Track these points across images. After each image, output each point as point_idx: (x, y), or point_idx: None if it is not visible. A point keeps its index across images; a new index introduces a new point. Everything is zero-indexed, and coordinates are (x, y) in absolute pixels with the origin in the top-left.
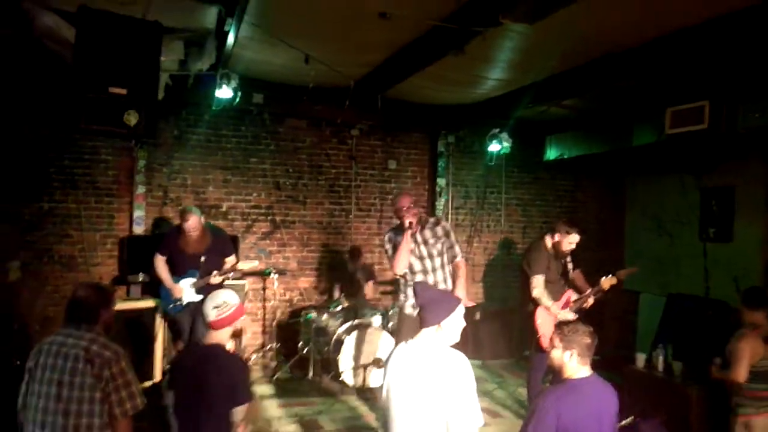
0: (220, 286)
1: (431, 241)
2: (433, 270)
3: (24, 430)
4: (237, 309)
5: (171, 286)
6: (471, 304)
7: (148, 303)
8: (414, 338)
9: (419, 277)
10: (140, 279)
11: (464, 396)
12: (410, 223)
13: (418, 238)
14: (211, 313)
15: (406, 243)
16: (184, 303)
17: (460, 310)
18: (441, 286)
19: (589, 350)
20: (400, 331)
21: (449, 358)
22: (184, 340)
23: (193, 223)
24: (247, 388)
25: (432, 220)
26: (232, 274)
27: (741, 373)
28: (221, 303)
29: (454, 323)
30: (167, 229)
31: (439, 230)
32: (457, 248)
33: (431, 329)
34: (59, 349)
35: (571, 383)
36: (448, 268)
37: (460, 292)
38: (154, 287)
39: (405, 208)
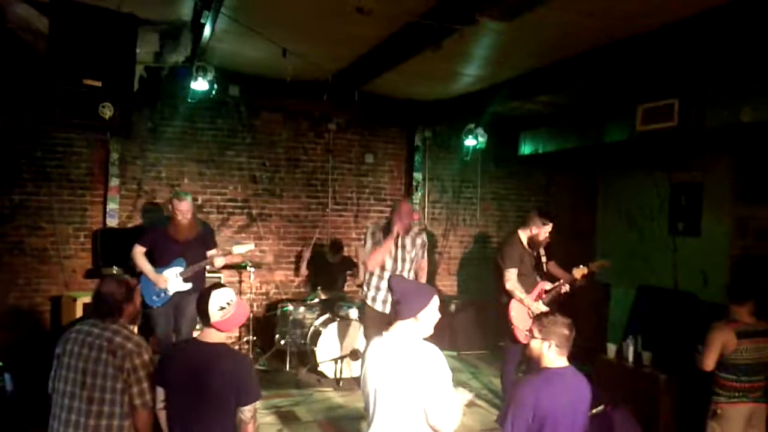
0: (202, 276)
1: (408, 247)
2: (401, 273)
3: (52, 411)
4: (242, 310)
5: (154, 277)
6: None
7: None
8: (389, 330)
9: (387, 274)
10: (114, 272)
11: (440, 387)
12: (398, 233)
13: (399, 241)
14: (216, 315)
15: (387, 247)
16: (170, 293)
17: (435, 302)
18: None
19: (567, 341)
20: (368, 326)
21: (423, 350)
22: (161, 334)
23: (187, 206)
24: (255, 386)
25: (416, 229)
26: (222, 261)
27: (708, 362)
28: (226, 304)
29: (430, 315)
30: (144, 221)
31: (419, 241)
32: (425, 256)
33: (408, 321)
34: (85, 338)
35: (548, 373)
36: (411, 275)
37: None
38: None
39: (404, 216)
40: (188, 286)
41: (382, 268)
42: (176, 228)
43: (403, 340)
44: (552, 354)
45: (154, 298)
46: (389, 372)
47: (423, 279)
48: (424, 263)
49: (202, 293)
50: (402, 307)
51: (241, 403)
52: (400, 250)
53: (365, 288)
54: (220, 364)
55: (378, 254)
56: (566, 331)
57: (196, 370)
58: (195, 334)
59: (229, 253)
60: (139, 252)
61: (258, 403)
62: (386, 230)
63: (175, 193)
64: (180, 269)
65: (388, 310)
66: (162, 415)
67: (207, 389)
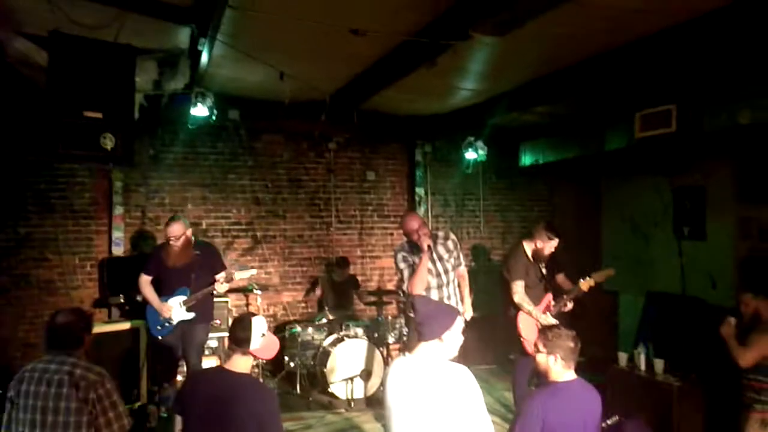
0: (209, 305)
1: (445, 256)
2: (447, 284)
3: None
4: (274, 338)
5: (158, 306)
6: (471, 315)
7: (131, 324)
8: (413, 353)
9: (434, 293)
10: (121, 300)
11: (474, 410)
12: (429, 246)
13: (434, 255)
14: (257, 341)
15: (425, 265)
16: (174, 323)
17: (459, 323)
18: (452, 299)
19: (573, 354)
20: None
21: (453, 372)
22: (168, 363)
23: (176, 230)
24: (278, 422)
25: (441, 234)
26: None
27: (748, 358)
28: (267, 330)
29: (455, 336)
30: (148, 248)
31: (450, 244)
32: (462, 258)
33: (432, 343)
34: (41, 375)
35: (556, 386)
36: (455, 282)
37: (467, 303)
38: (139, 309)
39: (418, 229)
40: (192, 315)
41: (428, 288)
42: (168, 254)
43: (430, 362)
44: (558, 367)
45: (158, 328)
46: (417, 395)
47: (466, 288)
48: (463, 270)
49: (240, 319)
50: (425, 328)
51: None
52: (438, 263)
53: (411, 313)
54: (245, 396)
55: (419, 276)
56: (571, 344)
57: (219, 399)
58: (209, 362)
59: (231, 279)
60: (145, 281)
61: None
62: (413, 250)
63: (170, 218)
64: (183, 297)
65: None
66: None
67: (229, 421)
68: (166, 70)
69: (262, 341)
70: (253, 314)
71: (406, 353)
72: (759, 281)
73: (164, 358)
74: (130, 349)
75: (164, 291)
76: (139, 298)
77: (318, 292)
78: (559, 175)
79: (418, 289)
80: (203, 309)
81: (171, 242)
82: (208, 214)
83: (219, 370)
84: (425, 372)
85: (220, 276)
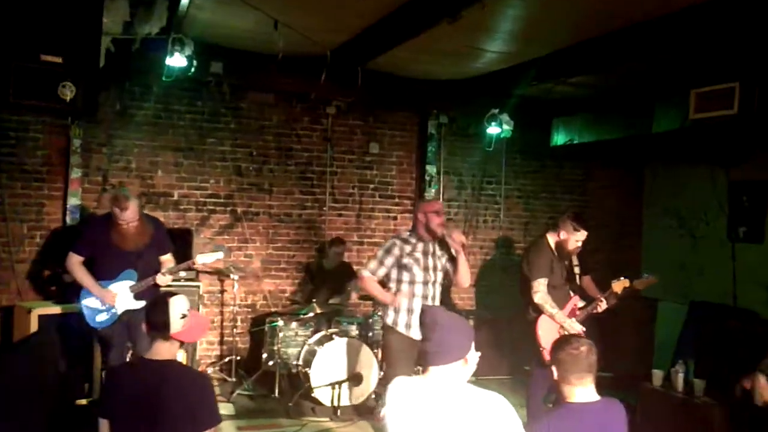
0: (156, 288)
1: (439, 253)
2: (433, 283)
3: None
4: (200, 318)
5: (100, 292)
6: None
7: (63, 308)
8: (426, 376)
9: (418, 289)
10: (60, 279)
11: None
12: (442, 233)
13: (429, 247)
14: (178, 323)
15: (463, 264)
16: (119, 312)
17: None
18: (436, 302)
19: (588, 369)
20: (395, 361)
21: (489, 401)
22: (115, 359)
23: (132, 212)
24: (215, 409)
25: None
26: (184, 273)
27: None
28: (187, 311)
29: (474, 352)
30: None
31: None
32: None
33: (454, 365)
34: None
35: (567, 408)
36: (440, 288)
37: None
38: (73, 290)
39: (438, 212)
40: (140, 304)
41: (412, 282)
42: (121, 234)
43: (456, 390)
44: (570, 385)
45: (98, 318)
46: (442, 429)
47: (466, 275)
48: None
49: (154, 302)
50: (447, 350)
51: (198, 430)
52: (430, 257)
53: (389, 310)
54: (173, 385)
55: (373, 290)
56: (583, 356)
57: (145, 394)
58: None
59: (193, 263)
60: (76, 262)
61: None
62: (411, 240)
63: (114, 194)
64: (131, 283)
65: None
66: None
67: (159, 416)
68: (140, 11)
69: (184, 323)
70: (171, 294)
71: (406, 369)
72: None
73: (107, 352)
74: (81, 336)
75: (102, 274)
76: (69, 279)
77: (311, 286)
78: (595, 159)
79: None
80: (153, 295)
81: (125, 224)
82: (180, 183)
83: (140, 361)
84: (453, 403)
85: (166, 258)
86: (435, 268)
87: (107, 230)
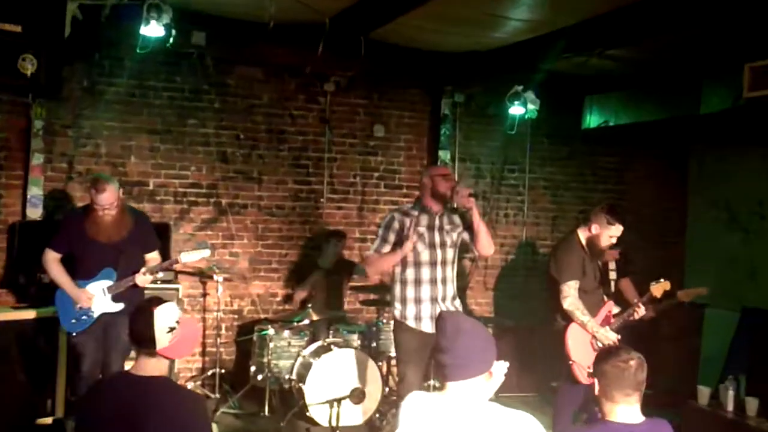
0: (140, 292)
1: (448, 227)
2: (443, 263)
3: None
4: (192, 329)
5: (75, 292)
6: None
7: (47, 312)
8: (444, 392)
9: (425, 272)
10: (37, 279)
11: None
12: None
13: (436, 221)
14: (164, 338)
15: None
16: (95, 315)
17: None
18: (448, 287)
19: (636, 386)
20: (407, 359)
21: (518, 423)
22: (87, 369)
23: (109, 196)
24: (208, 430)
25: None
26: (161, 274)
27: None
28: (176, 323)
29: (499, 363)
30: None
31: (456, 218)
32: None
33: (479, 379)
34: None
35: (606, 427)
36: (455, 270)
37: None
38: (48, 293)
39: (446, 176)
40: (119, 306)
41: (417, 264)
42: (97, 225)
43: (479, 407)
44: (613, 402)
45: (73, 321)
46: None
47: (486, 238)
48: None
49: (137, 311)
50: (465, 369)
51: None
52: (436, 232)
53: (395, 302)
54: (162, 405)
55: (383, 261)
56: (632, 370)
57: (130, 414)
58: (127, 366)
59: (176, 261)
60: (53, 259)
61: None
62: (414, 212)
63: (92, 178)
64: (109, 283)
65: None
66: None
67: None
68: None
69: (172, 336)
70: (158, 301)
71: (419, 368)
72: None
73: (79, 361)
74: (43, 347)
75: (81, 273)
76: (47, 280)
77: (304, 292)
78: (634, 143)
79: (374, 272)
80: (133, 298)
81: (99, 213)
82: (156, 171)
83: (125, 376)
84: (476, 424)
85: (151, 256)
86: (443, 245)
87: (83, 221)
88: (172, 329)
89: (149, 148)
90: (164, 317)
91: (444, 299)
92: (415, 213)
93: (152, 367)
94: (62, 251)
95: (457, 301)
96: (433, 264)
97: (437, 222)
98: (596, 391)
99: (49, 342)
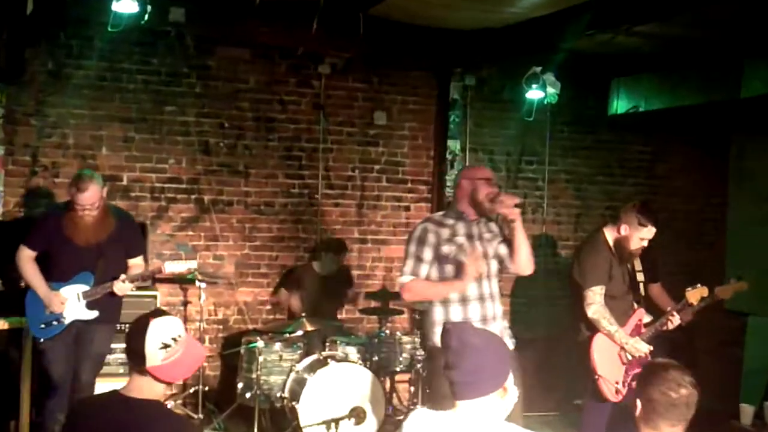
0: (118, 300)
1: (487, 235)
2: (488, 276)
3: None
4: (194, 351)
5: (46, 294)
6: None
7: (9, 323)
8: (455, 410)
9: (471, 288)
10: None
11: None
12: (494, 198)
13: (474, 230)
14: (155, 355)
15: (522, 239)
16: (66, 322)
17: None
18: (497, 304)
19: (685, 417)
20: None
21: None
22: (58, 380)
23: (91, 196)
24: None
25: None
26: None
27: None
28: (172, 340)
29: (513, 382)
30: (39, 210)
31: (494, 226)
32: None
33: (492, 397)
34: None
35: None
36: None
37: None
38: (18, 298)
39: (489, 180)
40: (93, 314)
41: (463, 300)
42: (75, 226)
43: (492, 428)
44: (651, 424)
45: (42, 326)
46: None
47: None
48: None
49: (134, 321)
50: (476, 386)
51: None
52: (478, 243)
53: (435, 328)
54: (149, 431)
55: (431, 292)
56: (686, 404)
57: None
58: (107, 384)
59: (159, 271)
60: (27, 258)
61: None
62: (449, 221)
63: (76, 174)
64: (85, 288)
65: None
66: None
67: None
68: None
69: (165, 356)
70: (159, 313)
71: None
72: None
73: (47, 371)
74: (4, 361)
75: (55, 274)
76: (23, 284)
77: (286, 295)
78: (668, 131)
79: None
80: (110, 306)
81: (83, 211)
82: (131, 164)
83: (116, 396)
84: None
85: (135, 262)
86: (486, 256)
87: (61, 219)
88: (166, 346)
89: (122, 138)
90: (159, 331)
91: (495, 318)
92: (450, 221)
93: (144, 388)
94: (38, 249)
95: (506, 320)
96: (478, 278)
97: (475, 230)
98: (637, 413)
99: (10, 356)
